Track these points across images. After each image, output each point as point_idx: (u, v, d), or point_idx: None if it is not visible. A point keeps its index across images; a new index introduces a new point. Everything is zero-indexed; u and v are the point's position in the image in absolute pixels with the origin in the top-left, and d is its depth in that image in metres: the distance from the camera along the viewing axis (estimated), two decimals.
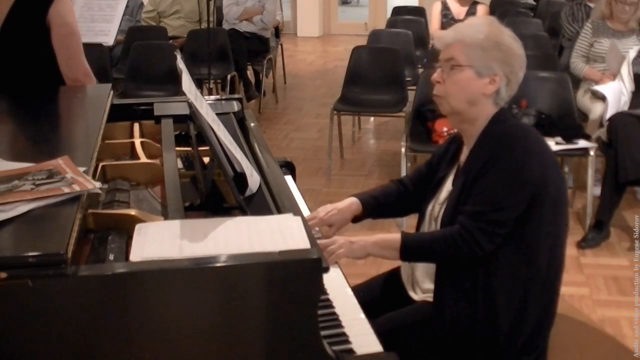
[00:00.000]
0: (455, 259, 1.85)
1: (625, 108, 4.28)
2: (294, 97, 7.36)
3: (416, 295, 2.05)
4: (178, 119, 2.24)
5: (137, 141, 2.14)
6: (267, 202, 1.66)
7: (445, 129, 4.14)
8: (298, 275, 1.33)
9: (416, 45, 5.92)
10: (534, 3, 7.95)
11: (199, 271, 1.30)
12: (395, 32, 6.04)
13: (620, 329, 3.07)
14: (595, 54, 4.68)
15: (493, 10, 6.70)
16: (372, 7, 10.96)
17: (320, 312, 1.40)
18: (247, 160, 1.74)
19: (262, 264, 1.32)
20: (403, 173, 4.10)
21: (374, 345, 1.58)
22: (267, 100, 7.07)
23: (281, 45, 7.70)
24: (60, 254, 1.22)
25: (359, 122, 6.04)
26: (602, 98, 4.36)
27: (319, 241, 1.70)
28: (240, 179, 1.64)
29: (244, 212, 1.60)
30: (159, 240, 1.37)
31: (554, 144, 3.94)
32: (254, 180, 1.69)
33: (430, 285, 1.97)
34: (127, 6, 5.27)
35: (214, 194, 1.79)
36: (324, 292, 1.73)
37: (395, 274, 2.17)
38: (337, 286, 1.82)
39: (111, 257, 1.46)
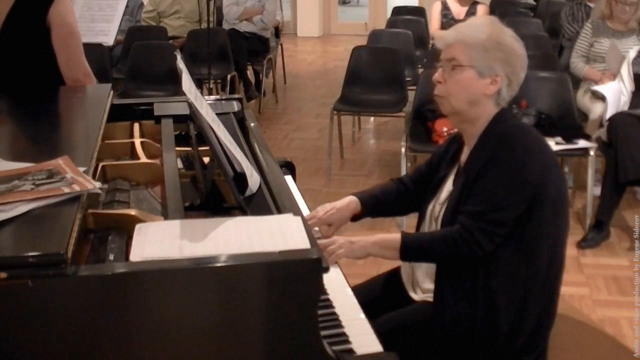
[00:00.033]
0: (456, 259, 1.85)
1: (625, 108, 4.28)
2: (294, 97, 7.36)
3: (416, 296, 2.05)
4: (178, 119, 2.24)
5: (137, 141, 2.14)
6: (267, 202, 1.66)
7: (445, 129, 4.14)
8: (298, 275, 1.33)
9: (416, 45, 5.92)
10: (534, 3, 7.95)
11: (199, 271, 1.30)
12: (395, 32, 6.04)
13: (620, 329, 3.07)
14: (595, 54, 4.68)
15: (493, 10, 6.70)
16: (372, 7, 10.96)
17: (320, 312, 1.40)
18: (247, 160, 1.74)
19: (262, 264, 1.32)
20: (403, 173, 4.10)
21: (374, 345, 1.58)
22: (267, 100, 7.07)
23: (281, 45, 7.70)
24: (60, 254, 1.22)
25: (359, 122, 6.04)
26: (602, 98, 4.36)
27: (319, 241, 1.70)
28: (240, 179, 1.64)
29: (244, 212, 1.60)
30: (159, 240, 1.37)
31: (554, 144, 3.94)
32: (254, 180, 1.69)
33: (430, 285, 1.97)
34: (127, 6, 5.27)
35: (214, 194, 1.79)
36: (324, 292, 1.72)
37: (395, 274, 2.17)
38: (337, 286, 1.82)
39: (111, 257, 1.46)
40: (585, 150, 4.08)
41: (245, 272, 1.32)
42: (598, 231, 3.91)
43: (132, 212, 1.59)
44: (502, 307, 1.83)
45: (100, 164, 1.92)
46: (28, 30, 2.52)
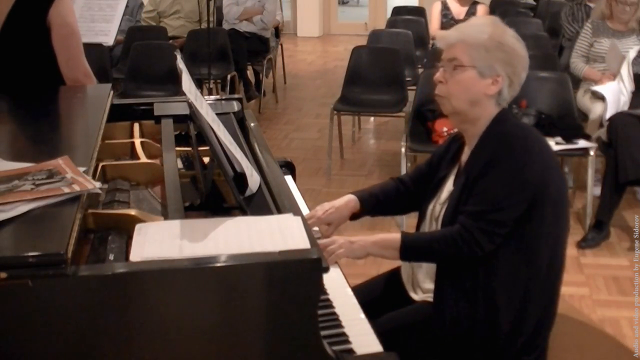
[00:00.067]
0: (456, 259, 1.85)
1: (625, 108, 4.27)
2: (294, 97, 7.36)
3: (416, 296, 2.05)
4: (178, 119, 2.24)
5: (137, 141, 2.14)
6: (267, 202, 1.66)
7: (445, 128, 4.14)
8: (298, 275, 1.33)
9: (416, 45, 5.92)
10: (534, 3, 7.95)
11: (199, 271, 1.30)
12: (395, 32, 6.04)
13: (620, 329, 3.07)
14: (595, 54, 4.68)
15: (493, 10, 6.70)
16: (372, 7, 10.96)
17: (320, 312, 1.40)
18: (247, 160, 1.74)
19: (262, 264, 1.32)
20: (403, 173, 4.09)
21: (374, 345, 1.58)
22: (267, 100, 7.07)
23: (281, 45, 7.70)
24: (60, 254, 1.22)
25: (359, 122, 6.04)
26: (602, 98, 4.37)
27: (318, 241, 1.70)
28: (240, 179, 1.64)
29: (244, 212, 1.60)
30: (159, 240, 1.37)
31: (554, 144, 3.94)
32: (254, 180, 1.69)
33: (430, 285, 1.97)
34: (127, 6, 5.26)
35: (214, 194, 1.79)
36: (324, 292, 1.73)
37: (395, 274, 2.17)
38: (337, 286, 1.82)
39: (111, 257, 1.46)
40: (585, 150, 4.08)
41: (245, 272, 1.32)
42: (598, 231, 3.91)
43: (132, 212, 1.59)
44: (502, 307, 1.83)
45: (100, 164, 1.92)
46: (28, 30, 2.52)
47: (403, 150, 4.22)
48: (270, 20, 6.76)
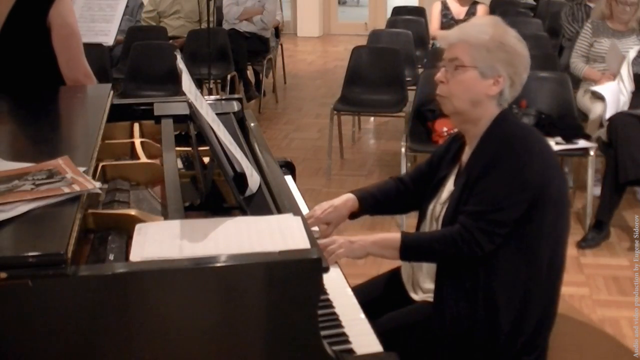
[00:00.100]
0: (456, 259, 1.85)
1: (625, 108, 4.27)
2: (294, 97, 7.36)
3: (417, 296, 2.05)
4: (178, 119, 2.24)
5: (137, 141, 2.14)
6: (267, 202, 1.66)
7: (445, 129, 4.15)
8: (298, 275, 1.32)
9: (416, 45, 5.92)
10: (534, 3, 7.95)
11: (199, 271, 1.30)
12: (395, 32, 6.04)
13: (620, 329, 3.07)
14: (595, 54, 4.68)
15: (493, 10, 6.70)
16: (372, 7, 10.96)
17: (320, 312, 1.40)
18: (247, 160, 1.74)
19: (262, 264, 1.32)
20: (403, 173, 4.10)
21: (374, 345, 1.58)
22: (267, 100, 7.07)
23: (281, 45, 7.70)
24: (60, 254, 1.22)
25: (359, 122, 6.04)
26: (602, 98, 4.36)
27: (318, 241, 1.70)
28: (240, 179, 1.64)
29: (244, 212, 1.60)
30: (159, 240, 1.37)
31: (554, 144, 3.94)
32: (254, 180, 1.69)
33: (430, 286, 1.97)
34: (127, 6, 5.26)
35: (214, 194, 1.79)
36: (324, 292, 1.73)
37: (395, 274, 2.17)
38: (337, 286, 1.82)
39: (111, 257, 1.46)
40: (585, 150, 4.08)
41: (245, 272, 1.32)
42: (598, 231, 3.91)
43: (132, 212, 1.59)
44: (502, 307, 1.83)
45: (100, 164, 1.92)
46: (28, 30, 2.52)
47: (403, 150, 4.22)
48: (270, 20, 6.76)
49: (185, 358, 1.31)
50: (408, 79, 5.28)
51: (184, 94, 1.58)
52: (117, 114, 2.26)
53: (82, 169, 1.55)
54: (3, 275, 1.19)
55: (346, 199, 2.09)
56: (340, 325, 1.64)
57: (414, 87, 4.87)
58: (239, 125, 2.20)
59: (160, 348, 1.30)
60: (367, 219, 2.18)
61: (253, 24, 6.66)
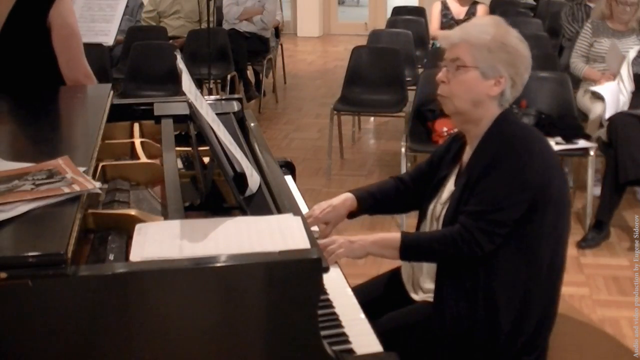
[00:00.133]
0: (456, 259, 1.85)
1: (625, 108, 4.27)
2: (294, 97, 7.36)
3: (417, 296, 2.05)
4: (178, 119, 2.24)
5: (137, 141, 2.14)
6: (267, 202, 1.66)
7: (445, 129, 4.15)
8: (298, 275, 1.33)
9: (416, 45, 5.92)
10: (534, 3, 7.95)
11: (199, 271, 1.30)
12: (395, 32, 6.04)
13: (620, 329, 3.07)
14: (595, 54, 4.68)
15: (493, 10, 6.70)
16: (372, 7, 10.96)
17: (320, 312, 1.40)
18: (247, 160, 1.74)
19: (262, 264, 1.32)
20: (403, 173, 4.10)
21: (374, 345, 1.58)
22: (267, 100, 7.07)
23: (281, 45, 7.70)
24: (60, 254, 1.22)
25: (359, 122, 6.04)
26: (601, 98, 4.37)
27: (318, 241, 1.70)
28: (240, 179, 1.64)
29: (244, 212, 1.60)
30: (159, 240, 1.37)
31: (554, 144, 3.93)
32: (254, 180, 1.69)
33: (431, 286, 1.97)
34: (127, 6, 5.26)
35: (214, 194, 1.79)
36: (324, 292, 1.73)
37: (395, 274, 2.17)
38: (337, 286, 1.82)
39: (111, 257, 1.46)
40: (585, 150, 4.08)
41: (245, 272, 1.32)
42: (598, 231, 3.91)
43: (132, 212, 1.59)
44: (502, 307, 1.83)
45: (100, 164, 1.92)
46: (28, 30, 2.52)
47: (403, 150, 4.22)
48: (270, 20, 6.76)
49: (185, 358, 1.31)
50: (408, 79, 5.28)
51: (184, 94, 1.58)
52: (117, 114, 2.26)
53: (82, 169, 1.55)
54: (3, 275, 1.19)
55: (345, 199, 2.09)
56: (340, 325, 1.64)
57: (414, 87, 4.87)
58: (239, 125, 2.20)
59: (160, 348, 1.30)
60: (366, 218, 2.18)
61: (253, 24, 6.66)
